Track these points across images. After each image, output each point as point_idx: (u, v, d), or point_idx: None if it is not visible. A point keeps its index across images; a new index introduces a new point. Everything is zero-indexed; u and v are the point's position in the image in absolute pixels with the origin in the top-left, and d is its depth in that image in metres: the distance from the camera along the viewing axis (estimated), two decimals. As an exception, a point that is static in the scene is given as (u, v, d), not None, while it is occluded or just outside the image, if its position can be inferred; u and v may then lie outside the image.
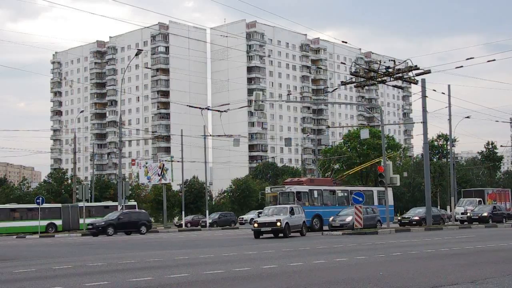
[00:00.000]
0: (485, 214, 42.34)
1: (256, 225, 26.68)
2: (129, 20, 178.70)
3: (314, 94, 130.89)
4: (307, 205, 33.90)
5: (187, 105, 42.14)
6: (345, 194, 38.09)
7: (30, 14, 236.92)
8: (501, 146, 74.12)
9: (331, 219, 33.28)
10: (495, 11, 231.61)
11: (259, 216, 33.33)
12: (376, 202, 38.86)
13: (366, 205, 35.08)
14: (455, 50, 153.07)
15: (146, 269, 14.03)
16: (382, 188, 38.88)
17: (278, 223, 26.24)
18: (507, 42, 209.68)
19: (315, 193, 35.64)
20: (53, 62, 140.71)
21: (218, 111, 34.45)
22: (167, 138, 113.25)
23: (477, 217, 42.54)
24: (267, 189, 36.13)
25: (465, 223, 42.33)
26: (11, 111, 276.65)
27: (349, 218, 31.71)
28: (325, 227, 34.42)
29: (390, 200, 39.02)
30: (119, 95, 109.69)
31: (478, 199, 47.31)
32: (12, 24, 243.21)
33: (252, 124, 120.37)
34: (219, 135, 35.48)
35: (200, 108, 34.68)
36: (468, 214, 44.53)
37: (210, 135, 38.27)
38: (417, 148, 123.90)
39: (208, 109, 39.92)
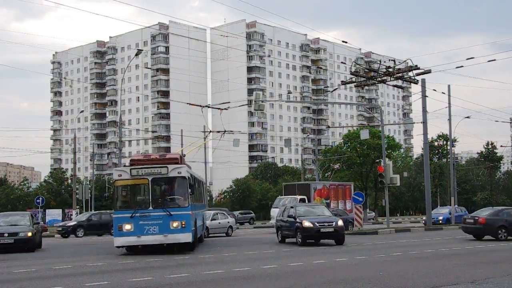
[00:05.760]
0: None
1: None
2: (134, 20, 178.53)
3: (314, 94, 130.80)
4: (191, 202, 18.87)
5: (187, 103, 42.06)
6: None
7: (36, 14, 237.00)
8: (501, 146, 74.11)
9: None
10: (502, 10, 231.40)
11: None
12: None
13: None
14: (461, 50, 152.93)
15: (146, 269, 14.04)
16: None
17: None
18: (511, 41, 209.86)
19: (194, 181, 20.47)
20: (53, 62, 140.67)
21: (219, 109, 33.41)
22: (167, 138, 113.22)
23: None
24: (120, 172, 18.33)
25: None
26: (14, 111, 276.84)
27: None
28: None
29: None
30: (119, 95, 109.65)
31: (300, 197, 35.23)
32: (17, 24, 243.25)
33: (252, 124, 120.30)
34: (218, 131, 35.11)
35: (200, 106, 34.26)
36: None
37: (210, 131, 37.86)
38: (417, 148, 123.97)
39: (209, 106, 39.40)
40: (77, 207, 52.47)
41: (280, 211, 23.91)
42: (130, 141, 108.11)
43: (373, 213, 62.33)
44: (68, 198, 65.60)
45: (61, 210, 56.07)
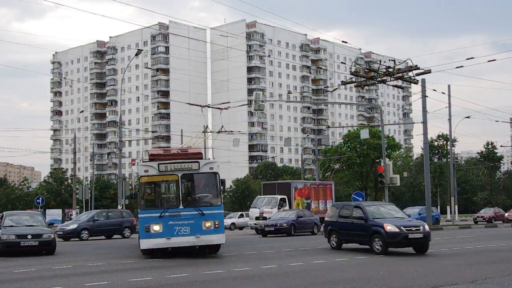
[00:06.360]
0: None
1: None
2: (134, 20, 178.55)
3: (314, 94, 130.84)
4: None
5: (187, 103, 42.07)
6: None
7: (36, 14, 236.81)
8: (501, 146, 73.95)
9: None
10: (502, 10, 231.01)
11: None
12: None
13: None
14: (461, 50, 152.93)
15: (146, 269, 14.04)
16: None
17: None
18: (511, 41, 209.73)
19: None
20: (53, 62, 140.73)
21: (219, 108, 33.29)
22: (167, 138, 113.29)
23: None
24: (146, 167, 16.56)
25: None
26: (14, 111, 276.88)
27: None
28: None
29: None
30: (119, 95, 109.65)
31: (280, 197, 34.39)
32: (18, 24, 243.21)
33: (252, 124, 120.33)
34: (218, 132, 35.07)
35: (200, 106, 34.19)
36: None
37: (210, 131, 37.85)
38: (417, 148, 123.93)
39: (209, 106, 39.30)
40: (77, 207, 52.51)
41: (334, 211, 19.86)
42: (130, 141, 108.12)
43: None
44: (68, 198, 65.62)
45: (61, 210, 56.11)
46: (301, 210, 31.71)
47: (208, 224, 16.23)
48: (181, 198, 16.31)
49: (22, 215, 21.34)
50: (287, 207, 33.65)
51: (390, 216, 17.85)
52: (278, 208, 33.01)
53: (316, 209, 36.35)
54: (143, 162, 17.43)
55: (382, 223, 17.03)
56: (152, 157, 17.29)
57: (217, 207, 16.62)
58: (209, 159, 17.60)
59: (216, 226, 16.34)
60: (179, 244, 16.30)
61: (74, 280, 12.09)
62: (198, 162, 16.63)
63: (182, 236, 16.15)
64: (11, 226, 19.36)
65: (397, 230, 16.65)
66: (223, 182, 16.95)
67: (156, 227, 16.03)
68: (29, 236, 18.64)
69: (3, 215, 20.55)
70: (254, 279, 11.89)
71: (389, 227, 16.75)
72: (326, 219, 20.31)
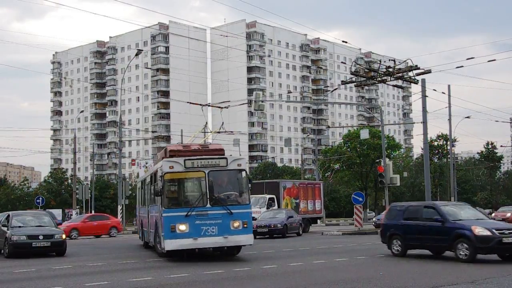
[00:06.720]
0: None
1: None
2: (134, 20, 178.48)
3: (314, 94, 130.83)
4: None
5: (188, 102, 42.05)
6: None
7: (36, 14, 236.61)
8: (501, 146, 74.07)
9: None
10: (502, 10, 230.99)
11: None
12: None
13: None
14: (461, 50, 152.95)
15: (146, 269, 14.05)
16: None
17: None
18: (511, 41, 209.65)
19: None
20: (53, 62, 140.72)
21: (219, 107, 33.19)
22: (167, 138, 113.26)
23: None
24: (171, 163, 15.69)
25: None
26: (15, 111, 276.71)
27: None
28: None
29: None
30: (119, 95, 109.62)
31: (269, 196, 33.54)
32: (18, 24, 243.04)
33: (252, 124, 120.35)
34: (218, 131, 34.91)
35: (200, 104, 34.08)
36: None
37: (210, 131, 37.77)
38: (417, 148, 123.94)
39: (209, 105, 39.22)
40: (77, 207, 52.51)
41: (396, 212, 17.12)
42: (130, 141, 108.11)
43: (373, 213, 62.31)
44: (68, 198, 65.53)
45: (61, 210, 56.11)
46: (289, 210, 30.74)
47: (236, 224, 15.49)
48: (208, 196, 15.44)
49: (29, 216, 20.66)
50: (275, 207, 32.71)
51: (472, 217, 15.26)
52: (267, 208, 32.06)
53: (305, 209, 35.50)
54: (165, 158, 16.44)
55: (469, 226, 14.39)
56: (172, 153, 16.41)
57: (245, 206, 15.82)
58: (231, 155, 16.65)
59: (245, 226, 15.61)
60: (206, 245, 15.58)
61: (74, 280, 12.09)
62: (226, 158, 15.84)
63: (209, 236, 15.33)
64: (20, 226, 18.82)
65: (489, 233, 14.03)
66: (250, 180, 16.12)
67: (182, 227, 15.19)
68: (41, 237, 18.18)
69: (9, 215, 19.96)
70: (254, 279, 11.89)
71: (479, 230, 14.14)
72: (383, 222, 17.77)
